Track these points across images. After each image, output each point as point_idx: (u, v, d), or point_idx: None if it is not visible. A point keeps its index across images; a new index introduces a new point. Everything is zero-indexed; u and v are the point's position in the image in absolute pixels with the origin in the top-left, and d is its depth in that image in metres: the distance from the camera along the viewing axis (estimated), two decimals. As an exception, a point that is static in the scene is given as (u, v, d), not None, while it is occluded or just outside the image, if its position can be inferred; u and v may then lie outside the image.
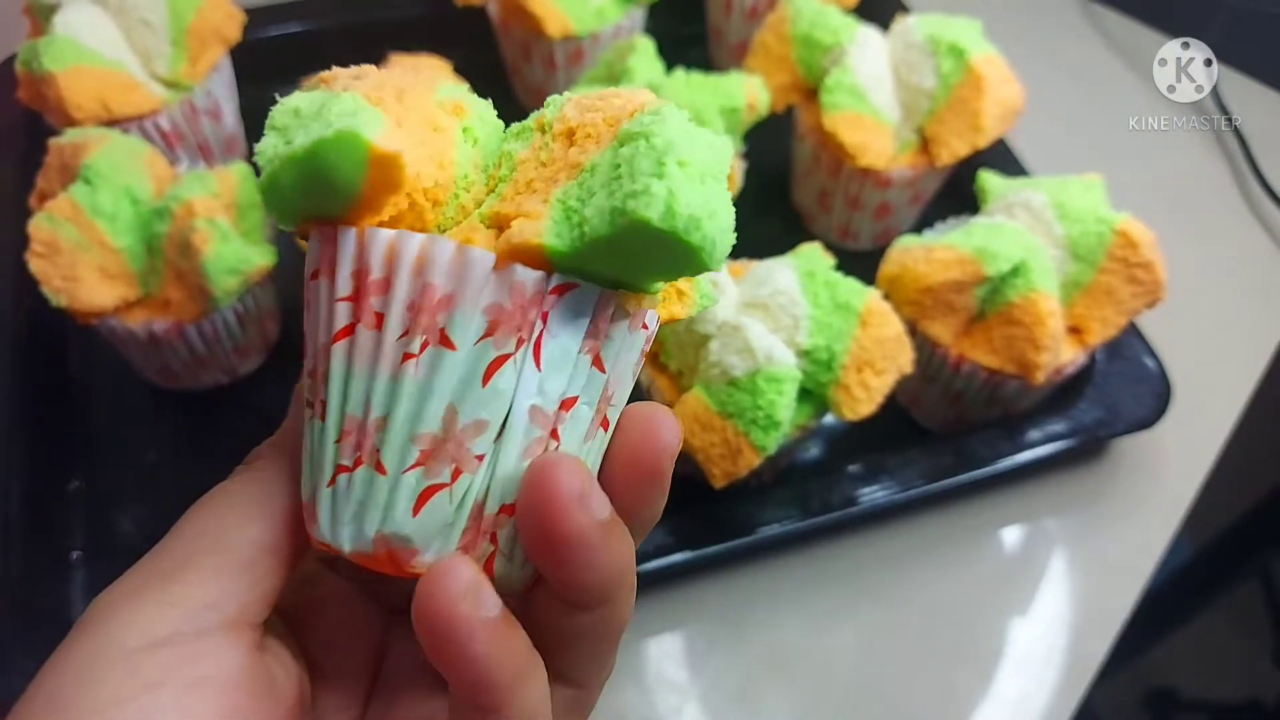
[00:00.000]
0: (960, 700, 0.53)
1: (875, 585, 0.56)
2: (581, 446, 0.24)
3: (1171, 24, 0.87)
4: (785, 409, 0.49)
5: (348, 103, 0.22)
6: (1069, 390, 0.60)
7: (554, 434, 0.24)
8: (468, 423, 0.23)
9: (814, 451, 0.61)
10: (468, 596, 0.21)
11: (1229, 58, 0.84)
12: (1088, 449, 0.61)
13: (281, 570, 0.25)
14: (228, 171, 0.57)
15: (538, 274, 0.22)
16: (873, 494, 0.54)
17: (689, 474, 0.53)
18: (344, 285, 0.23)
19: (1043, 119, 0.72)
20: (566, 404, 0.24)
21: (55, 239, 0.52)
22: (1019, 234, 0.55)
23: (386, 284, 0.22)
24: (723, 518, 0.53)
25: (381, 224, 0.23)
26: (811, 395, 0.52)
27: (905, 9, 0.80)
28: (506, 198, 0.24)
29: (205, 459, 0.60)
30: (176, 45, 0.63)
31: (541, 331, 0.23)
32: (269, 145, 0.22)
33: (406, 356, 0.22)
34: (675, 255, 0.22)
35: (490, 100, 0.26)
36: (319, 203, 0.23)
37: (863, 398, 0.51)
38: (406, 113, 0.23)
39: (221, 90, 0.68)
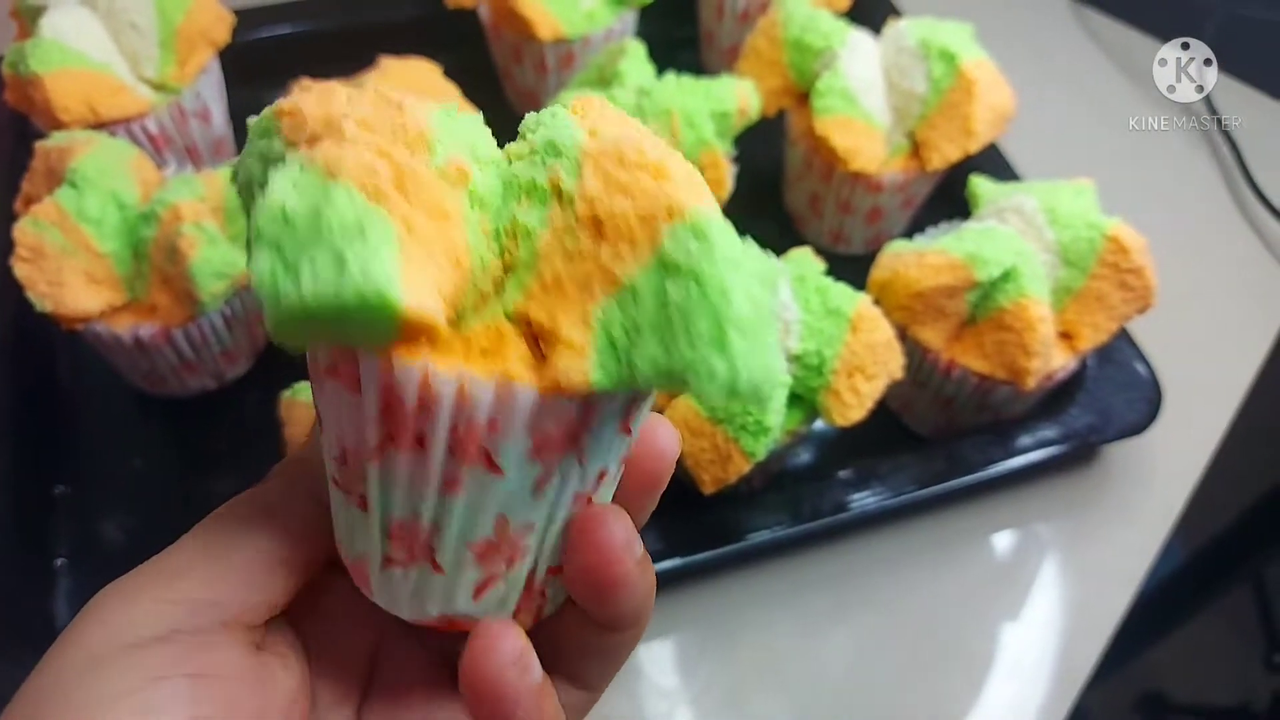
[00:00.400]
0: (952, 706, 0.53)
1: (867, 591, 0.56)
2: (608, 493, 0.26)
3: (1163, 28, 0.87)
4: (775, 414, 0.48)
5: (345, 210, 0.20)
6: (1060, 396, 0.60)
7: (589, 501, 0.25)
8: (519, 525, 0.24)
9: (804, 457, 0.61)
10: (516, 664, 0.23)
11: (1221, 62, 0.84)
12: (1079, 454, 0.61)
13: (291, 581, 0.26)
14: (215, 175, 0.56)
15: (581, 400, 0.22)
16: (863, 500, 0.54)
17: (679, 479, 0.52)
18: (372, 403, 0.22)
19: (1034, 123, 0.72)
20: (601, 475, 0.25)
21: (41, 243, 0.51)
22: (1010, 239, 0.54)
23: (424, 413, 0.21)
24: (713, 524, 0.53)
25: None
26: (802, 400, 0.52)
27: (897, 13, 0.80)
28: (533, 295, 0.22)
29: (192, 465, 0.59)
30: (165, 47, 0.63)
31: (586, 439, 0.23)
32: (266, 269, 0.20)
33: (452, 481, 0.22)
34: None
35: (480, 115, 0.25)
36: (339, 343, 0.22)
37: (853, 403, 0.51)
38: (412, 208, 0.21)
39: (210, 93, 0.67)
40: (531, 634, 0.25)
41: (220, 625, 0.24)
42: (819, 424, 0.54)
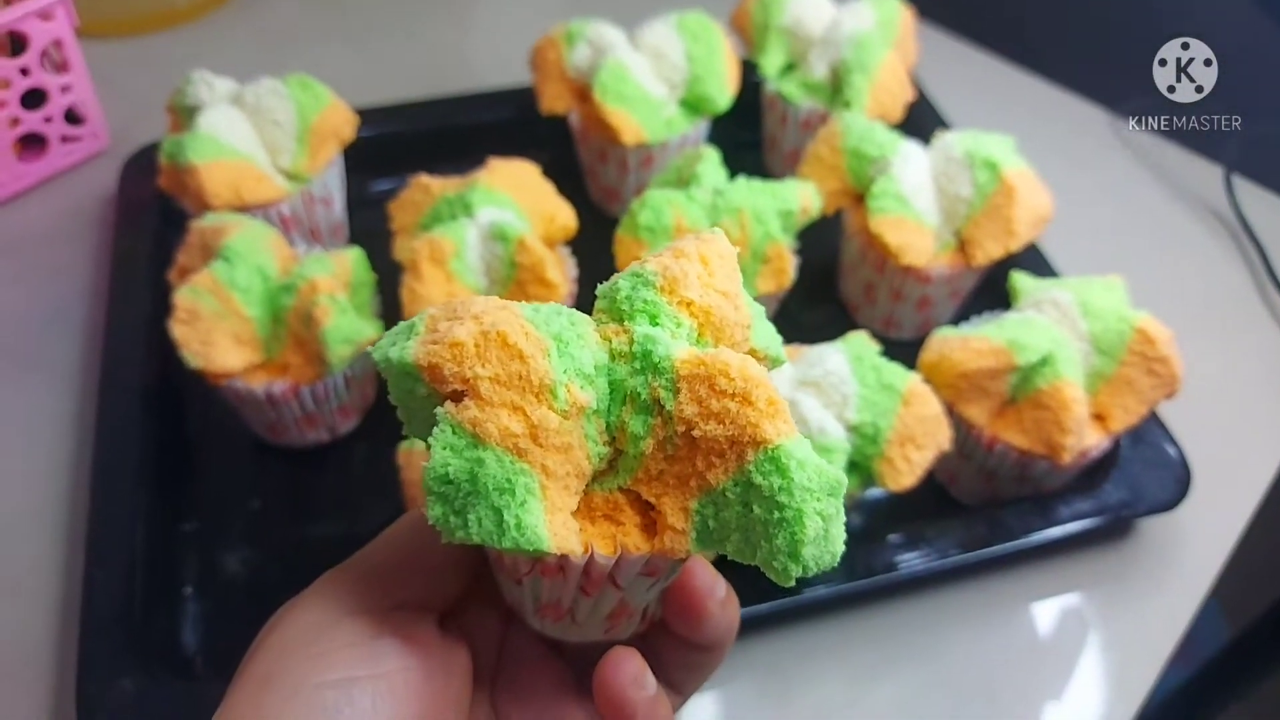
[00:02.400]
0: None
1: (913, 648, 0.60)
2: None
3: (1191, 139, 0.94)
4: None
5: (496, 472, 0.26)
6: (1095, 472, 0.64)
7: None
8: (636, 603, 0.32)
9: (858, 521, 0.66)
10: (636, 681, 0.30)
11: (1247, 171, 0.91)
12: (1113, 528, 0.66)
13: (464, 580, 0.33)
14: (344, 255, 0.65)
15: None
16: (911, 561, 0.59)
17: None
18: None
19: (1071, 225, 0.79)
20: None
21: (197, 308, 0.59)
22: (1047, 328, 0.60)
23: (561, 566, 0.29)
24: (771, 578, 0.58)
25: None
26: (858, 467, 0.58)
27: (945, 125, 0.87)
28: (641, 480, 0.29)
29: (305, 509, 0.66)
30: (300, 142, 0.72)
31: None
32: (439, 515, 0.27)
33: (585, 592, 0.30)
34: None
35: (560, 303, 0.30)
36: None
37: (905, 470, 0.57)
38: (545, 452, 0.27)
39: (334, 182, 0.76)
40: (640, 649, 0.32)
41: (420, 608, 0.31)
42: (872, 490, 0.60)
